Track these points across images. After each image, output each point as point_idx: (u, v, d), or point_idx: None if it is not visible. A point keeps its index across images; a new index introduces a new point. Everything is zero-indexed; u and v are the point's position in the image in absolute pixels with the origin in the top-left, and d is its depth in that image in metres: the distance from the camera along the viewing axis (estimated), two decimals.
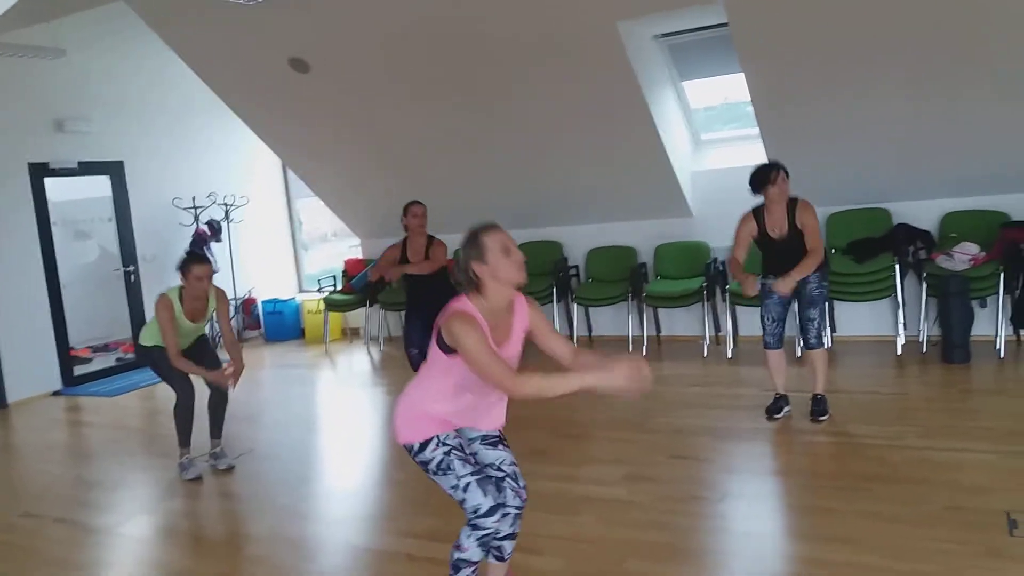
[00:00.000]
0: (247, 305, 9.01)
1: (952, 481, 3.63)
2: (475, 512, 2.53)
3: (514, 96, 6.20)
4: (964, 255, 5.59)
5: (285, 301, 9.04)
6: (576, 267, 7.26)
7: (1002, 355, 5.45)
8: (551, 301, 6.97)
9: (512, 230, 7.92)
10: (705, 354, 6.34)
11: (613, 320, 7.02)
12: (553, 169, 6.75)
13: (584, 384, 2.33)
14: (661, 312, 6.89)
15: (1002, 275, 5.44)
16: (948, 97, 5.19)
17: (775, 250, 4.47)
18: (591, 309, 7.16)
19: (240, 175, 8.96)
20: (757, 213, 4.47)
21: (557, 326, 7.03)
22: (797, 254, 4.37)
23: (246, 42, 6.44)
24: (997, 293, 5.49)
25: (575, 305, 7.02)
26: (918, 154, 5.67)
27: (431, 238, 5.42)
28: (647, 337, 6.70)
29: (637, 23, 5.61)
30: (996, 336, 5.52)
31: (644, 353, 6.55)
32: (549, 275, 7.07)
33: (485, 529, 2.54)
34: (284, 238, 9.65)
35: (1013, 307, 5.51)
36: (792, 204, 4.38)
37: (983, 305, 5.68)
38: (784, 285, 4.31)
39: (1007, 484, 3.55)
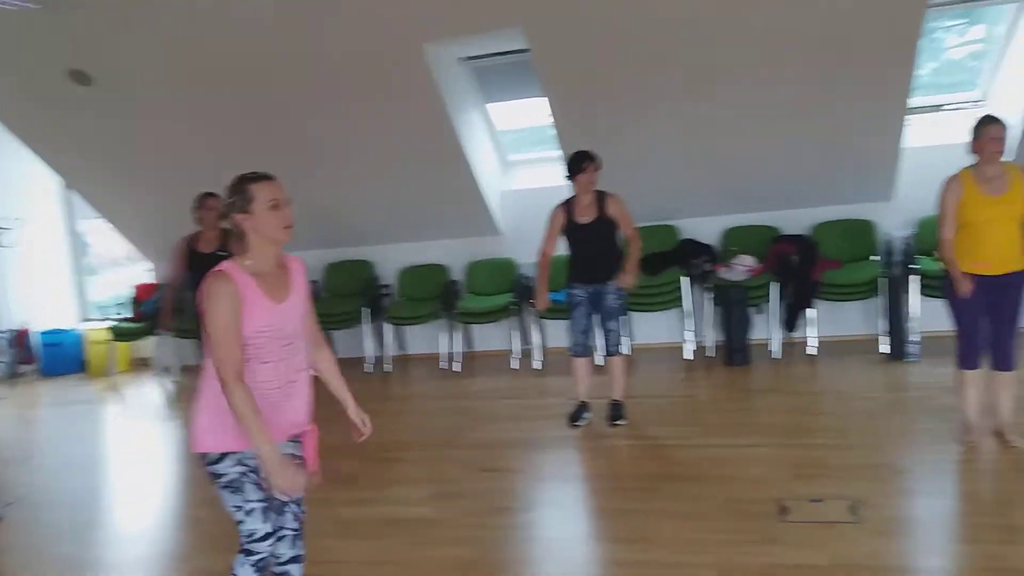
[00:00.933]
0: (20, 337, 8.12)
1: (733, 475, 3.93)
2: (250, 536, 2.43)
3: (319, 115, 6.06)
4: (742, 267, 6.11)
5: (65, 331, 8.24)
6: (388, 286, 7.20)
7: (776, 356, 5.99)
8: (361, 322, 6.86)
9: (322, 250, 7.66)
10: (515, 367, 6.48)
11: (426, 338, 7.02)
12: (362, 188, 6.67)
13: (263, 449, 2.25)
14: (473, 328, 6.98)
15: (775, 284, 6.01)
16: (725, 123, 5.66)
17: (582, 238, 4.70)
18: (404, 328, 7.12)
19: (12, 195, 8.10)
20: (567, 204, 4.72)
21: (370, 346, 6.92)
22: (603, 242, 4.68)
23: (19, 50, 5.87)
24: (771, 300, 6.05)
25: (387, 325, 6.95)
26: (702, 174, 6.14)
27: (227, 232, 4.94)
28: (460, 353, 6.76)
29: (443, 46, 5.69)
30: (770, 339, 6.07)
31: (459, 368, 6.60)
32: (359, 295, 6.96)
33: (259, 553, 2.45)
34: (65, 263, 8.82)
35: (784, 312, 6.08)
36: (601, 195, 4.64)
37: (760, 311, 6.24)
38: (629, 280, 4.70)
39: (780, 475, 3.90)
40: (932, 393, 4.73)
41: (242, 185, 2.35)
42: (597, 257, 4.71)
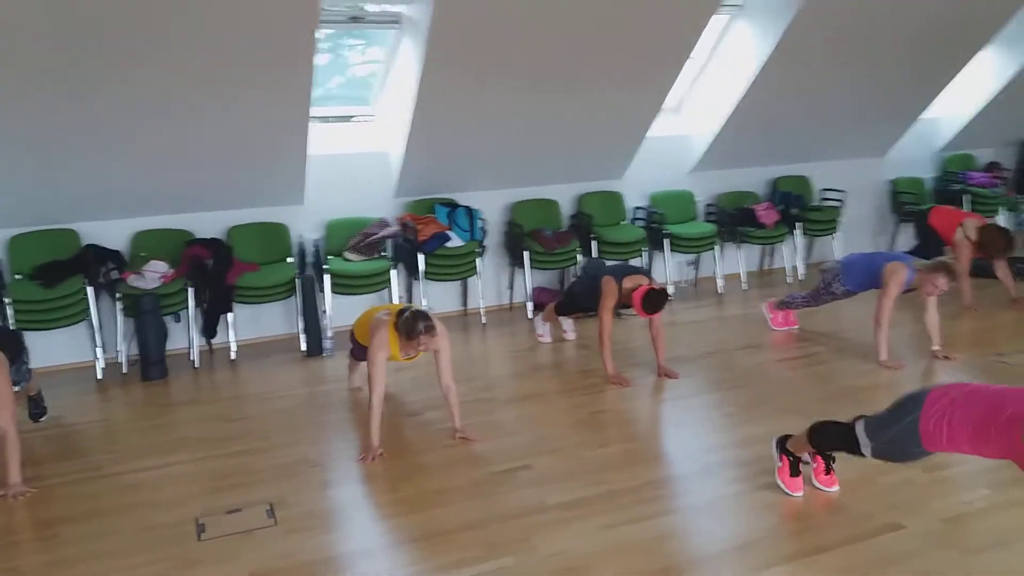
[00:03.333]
0: None
1: (149, 501, 3.63)
2: None
3: None
4: (154, 273, 5.72)
5: None
6: None
7: (196, 365, 5.78)
8: None
9: None
10: None
11: None
12: None
13: None
14: None
15: (191, 290, 5.78)
16: (129, 120, 5.17)
17: None
18: None
19: None
20: None
21: None
22: None
23: None
24: (188, 307, 5.81)
25: None
26: (101, 175, 5.55)
27: None
28: None
29: None
30: (190, 348, 5.84)
31: None
32: None
33: None
34: None
35: (203, 319, 5.90)
36: None
37: (177, 320, 5.94)
38: None
39: (199, 490, 3.74)
40: (342, 385, 5.10)
41: None
42: None
